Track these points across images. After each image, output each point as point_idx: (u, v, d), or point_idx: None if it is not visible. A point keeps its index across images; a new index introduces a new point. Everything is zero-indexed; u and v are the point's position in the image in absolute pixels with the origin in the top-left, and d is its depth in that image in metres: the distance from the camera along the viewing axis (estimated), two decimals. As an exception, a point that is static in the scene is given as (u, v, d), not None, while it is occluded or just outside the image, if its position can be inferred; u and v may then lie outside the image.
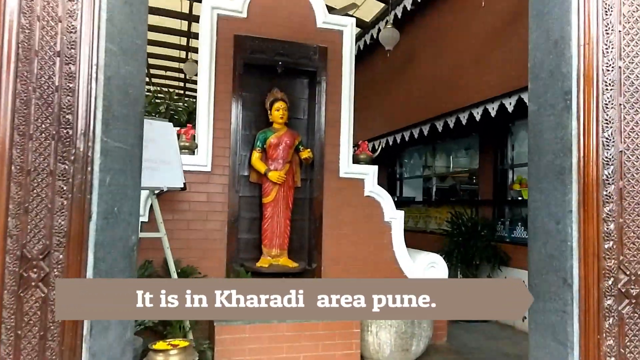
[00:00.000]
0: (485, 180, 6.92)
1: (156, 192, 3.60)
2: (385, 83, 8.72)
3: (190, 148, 4.30)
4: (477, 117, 5.81)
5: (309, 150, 4.45)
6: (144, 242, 3.68)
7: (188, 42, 9.90)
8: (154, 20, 10.24)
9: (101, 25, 1.60)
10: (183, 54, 11.00)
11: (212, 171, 4.29)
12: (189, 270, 3.98)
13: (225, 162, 4.34)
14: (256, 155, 4.41)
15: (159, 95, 8.60)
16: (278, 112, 4.42)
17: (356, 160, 4.78)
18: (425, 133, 7.02)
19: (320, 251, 4.52)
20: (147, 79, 16.81)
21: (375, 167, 4.74)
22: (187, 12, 8.44)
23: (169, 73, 13.88)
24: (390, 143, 8.14)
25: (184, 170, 4.10)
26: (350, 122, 4.67)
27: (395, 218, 4.75)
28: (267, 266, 4.23)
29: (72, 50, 1.56)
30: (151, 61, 13.25)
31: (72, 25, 1.57)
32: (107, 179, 1.62)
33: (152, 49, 12.16)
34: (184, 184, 3.74)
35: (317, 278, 4.39)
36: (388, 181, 9.76)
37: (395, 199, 9.97)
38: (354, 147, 4.74)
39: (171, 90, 9.61)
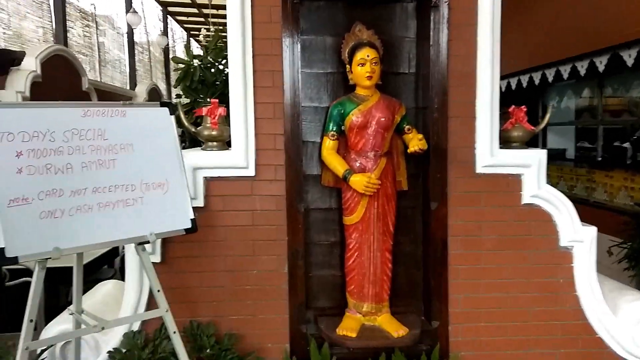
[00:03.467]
0: None
1: (141, 242, 1.97)
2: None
3: (220, 139, 2.61)
4: None
5: (420, 135, 2.51)
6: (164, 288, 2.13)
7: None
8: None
9: None
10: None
11: (257, 175, 2.58)
12: (227, 346, 2.42)
13: (277, 159, 2.59)
14: (329, 143, 2.58)
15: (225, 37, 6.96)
16: (363, 67, 2.50)
17: (505, 140, 2.74)
18: (602, 68, 4.55)
19: (446, 300, 2.68)
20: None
21: (543, 153, 2.66)
22: None
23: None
24: (537, 82, 5.71)
25: (210, 178, 2.46)
26: (496, 74, 2.58)
27: (581, 240, 2.69)
28: (354, 335, 2.51)
29: None
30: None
31: None
32: None
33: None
34: (192, 221, 2.07)
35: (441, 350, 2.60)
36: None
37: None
38: (501, 116, 2.68)
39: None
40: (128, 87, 11.81)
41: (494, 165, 2.64)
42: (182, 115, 2.61)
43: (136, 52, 12.94)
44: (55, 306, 3.45)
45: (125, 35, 12.23)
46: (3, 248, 1.57)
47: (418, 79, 2.77)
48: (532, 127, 2.71)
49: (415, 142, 2.48)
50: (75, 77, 7.72)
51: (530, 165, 2.64)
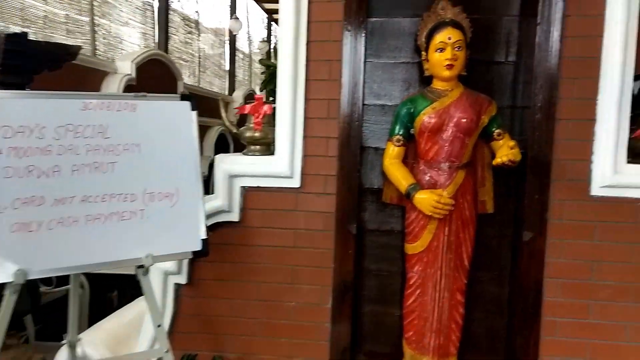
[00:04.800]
0: None
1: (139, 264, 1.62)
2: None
3: (263, 142, 2.21)
4: None
5: (513, 142, 1.90)
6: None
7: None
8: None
9: None
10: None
11: (303, 187, 2.15)
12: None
13: (329, 168, 2.13)
14: (392, 150, 2.06)
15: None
16: (442, 52, 1.95)
17: (636, 152, 2.01)
18: None
19: (538, 361, 2.03)
20: None
21: (695, 172, 1.90)
22: None
23: None
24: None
25: (249, 188, 2.09)
26: (630, 61, 1.88)
27: None
28: (410, 397, 1.97)
29: None
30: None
31: None
32: None
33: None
34: (204, 241, 1.68)
35: None
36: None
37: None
38: (634, 120, 1.97)
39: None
40: (227, 92, 12.10)
41: (618, 185, 1.94)
42: (223, 114, 2.27)
43: (237, 58, 13.28)
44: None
45: (227, 42, 12.60)
46: (-41, 266, 1.31)
47: (518, 69, 2.14)
48: (677, 136, 1.96)
49: (505, 150, 1.88)
50: (171, 81, 7.93)
51: (672, 189, 1.90)
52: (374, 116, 2.23)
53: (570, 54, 1.94)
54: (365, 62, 2.15)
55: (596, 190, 1.96)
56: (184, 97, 1.78)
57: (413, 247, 2.04)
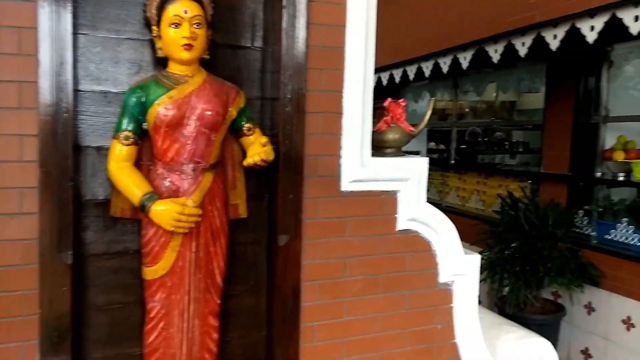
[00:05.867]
0: (555, 140, 4.29)
1: None
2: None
3: None
4: (554, 44, 3.17)
5: (265, 139, 1.67)
6: None
7: None
8: None
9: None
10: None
11: (-16, 206, 1.49)
12: None
13: (25, 178, 1.53)
14: (120, 151, 1.60)
15: None
16: (178, 28, 1.58)
17: (377, 145, 2.03)
18: (465, 65, 4.25)
19: (299, 366, 1.91)
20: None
21: (424, 163, 2.03)
22: None
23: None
24: (397, 79, 5.34)
25: None
26: (371, 52, 1.86)
27: (463, 274, 2.14)
28: None
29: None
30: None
31: None
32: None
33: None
34: None
35: None
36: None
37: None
38: (374, 112, 1.98)
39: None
40: None
41: (365, 179, 1.93)
42: None
43: None
44: None
45: None
46: None
47: (266, 56, 1.92)
48: (412, 128, 2.06)
49: (256, 148, 1.64)
50: None
51: (408, 179, 1.99)
52: (94, 106, 1.72)
53: (317, 43, 1.81)
54: (75, 34, 1.61)
55: (346, 185, 1.91)
56: None
57: (153, 271, 1.63)
